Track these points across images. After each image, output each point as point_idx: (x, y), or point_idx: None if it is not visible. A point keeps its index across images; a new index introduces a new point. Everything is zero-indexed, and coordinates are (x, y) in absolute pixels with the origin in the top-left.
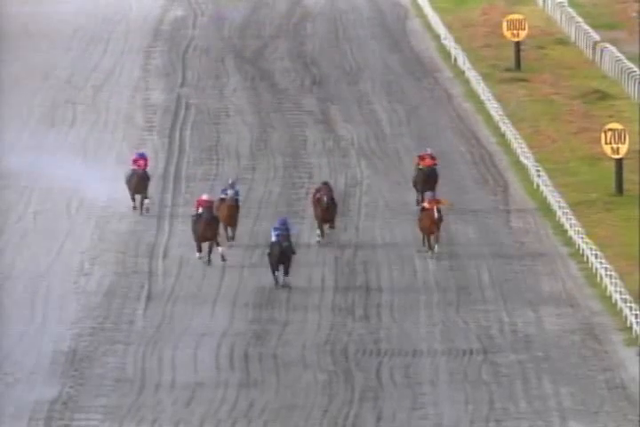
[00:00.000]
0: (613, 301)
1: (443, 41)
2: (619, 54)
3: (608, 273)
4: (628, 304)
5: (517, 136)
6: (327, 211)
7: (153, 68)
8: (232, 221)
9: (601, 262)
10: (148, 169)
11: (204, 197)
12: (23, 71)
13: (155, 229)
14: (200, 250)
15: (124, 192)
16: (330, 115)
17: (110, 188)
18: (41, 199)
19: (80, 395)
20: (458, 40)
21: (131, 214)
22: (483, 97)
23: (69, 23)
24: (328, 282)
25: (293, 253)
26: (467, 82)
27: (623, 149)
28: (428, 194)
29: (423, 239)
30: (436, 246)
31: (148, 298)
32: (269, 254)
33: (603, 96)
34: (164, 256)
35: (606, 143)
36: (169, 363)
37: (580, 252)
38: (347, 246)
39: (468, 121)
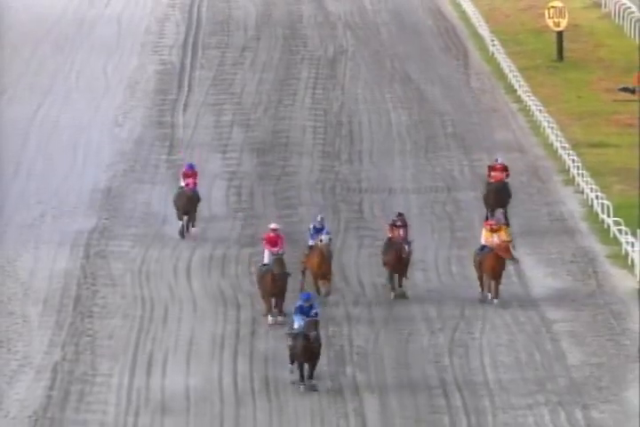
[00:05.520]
0: (554, 148)
1: None
2: None
3: (550, 125)
4: (567, 151)
5: (476, 12)
6: (403, 259)
7: None
8: (325, 271)
9: (544, 116)
10: (197, 178)
11: (272, 233)
12: None
13: (177, 88)
14: (271, 310)
15: (150, 58)
16: None
17: (140, 54)
18: (82, 62)
19: (114, 225)
20: None
21: (156, 76)
22: None
23: None
24: (318, 133)
25: (320, 346)
26: None
27: (563, 22)
28: (498, 215)
29: (481, 283)
30: (495, 301)
31: (171, 146)
32: (291, 348)
33: None
34: (185, 110)
35: (549, 18)
36: None
37: (527, 107)
38: (334, 102)
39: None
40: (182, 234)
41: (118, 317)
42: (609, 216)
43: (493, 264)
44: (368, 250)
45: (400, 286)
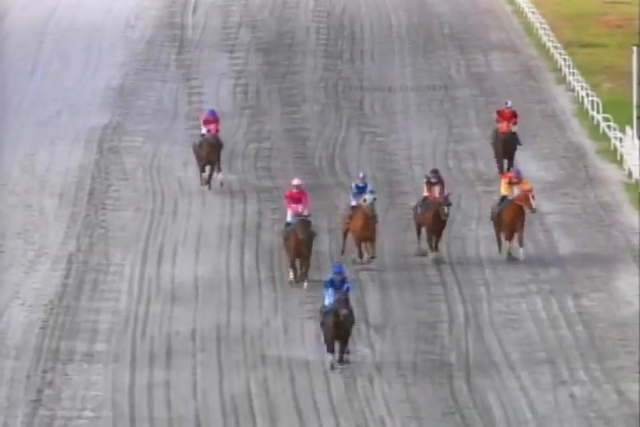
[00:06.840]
0: (547, 48)
1: None
2: None
3: (543, 26)
4: (558, 50)
5: None
6: (441, 220)
7: None
8: (369, 234)
9: (537, 18)
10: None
11: (295, 189)
12: None
13: None
14: (294, 268)
15: None
16: None
17: None
18: None
19: (126, 122)
20: None
21: None
22: None
23: None
24: (321, 34)
25: (353, 323)
26: None
27: None
28: (515, 168)
29: (499, 242)
30: (522, 251)
31: (181, 46)
32: (322, 325)
33: None
34: (194, 12)
35: None
36: (196, 98)
37: (521, 9)
38: (337, 4)
39: None
40: (203, 183)
41: (130, 209)
42: (598, 113)
43: (512, 215)
44: (369, 146)
45: (436, 248)
